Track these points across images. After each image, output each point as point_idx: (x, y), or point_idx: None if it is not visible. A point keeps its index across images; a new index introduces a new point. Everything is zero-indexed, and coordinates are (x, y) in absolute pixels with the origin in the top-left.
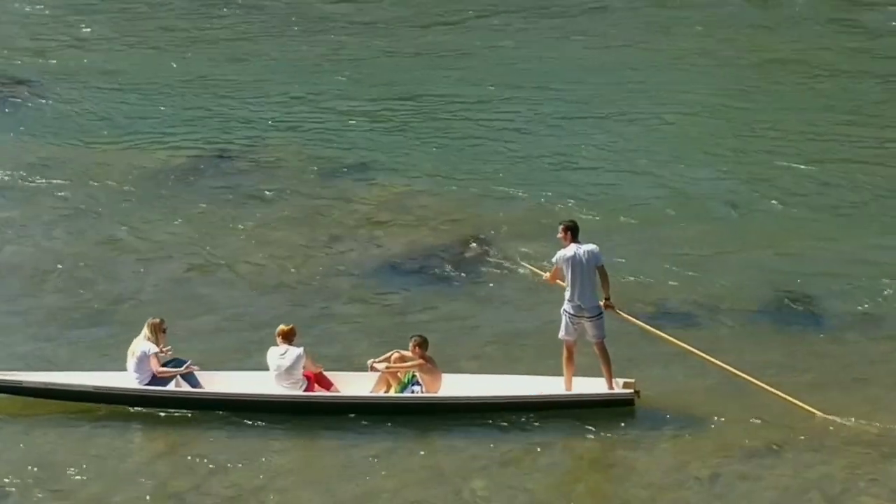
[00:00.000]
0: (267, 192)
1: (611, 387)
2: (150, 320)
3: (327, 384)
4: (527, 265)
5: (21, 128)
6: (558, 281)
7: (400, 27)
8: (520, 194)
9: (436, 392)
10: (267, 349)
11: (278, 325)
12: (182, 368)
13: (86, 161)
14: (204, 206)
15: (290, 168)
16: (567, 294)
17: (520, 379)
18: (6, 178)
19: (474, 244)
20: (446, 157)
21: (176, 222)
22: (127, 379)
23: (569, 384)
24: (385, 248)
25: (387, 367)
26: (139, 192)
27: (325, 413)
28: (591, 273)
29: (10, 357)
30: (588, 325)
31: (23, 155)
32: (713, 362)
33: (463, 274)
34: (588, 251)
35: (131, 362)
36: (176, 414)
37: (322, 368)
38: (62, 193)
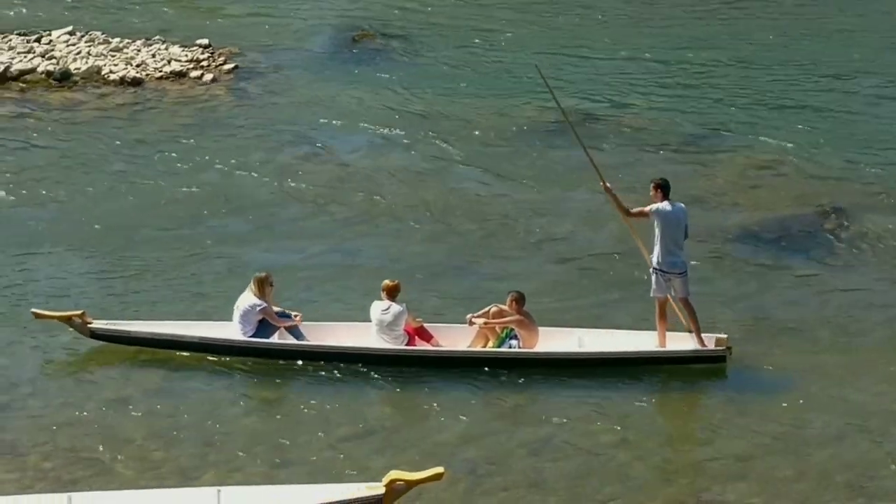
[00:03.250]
0: (626, 158)
1: (701, 343)
2: (256, 275)
3: (427, 337)
4: (614, 196)
5: (396, 81)
6: (633, 218)
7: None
8: (878, 170)
9: (533, 347)
10: (614, 317)
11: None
12: (289, 321)
13: (456, 114)
14: (561, 165)
15: (649, 135)
16: (656, 251)
17: (614, 333)
18: (384, 130)
19: (831, 215)
20: (809, 129)
21: (533, 180)
22: (232, 330)
23: (662, 340)
24: (742, 216)
25: (485, 323)
26: (503, 148)
27: (425, 366)
28: (682, 230)
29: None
30: (677, 282)
31: (399, 107)
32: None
33: (816, 245)
34: (680, 209)
35: (236, 315)
36: (280, 364)
37: (422, 323)
38: (433, 144)
